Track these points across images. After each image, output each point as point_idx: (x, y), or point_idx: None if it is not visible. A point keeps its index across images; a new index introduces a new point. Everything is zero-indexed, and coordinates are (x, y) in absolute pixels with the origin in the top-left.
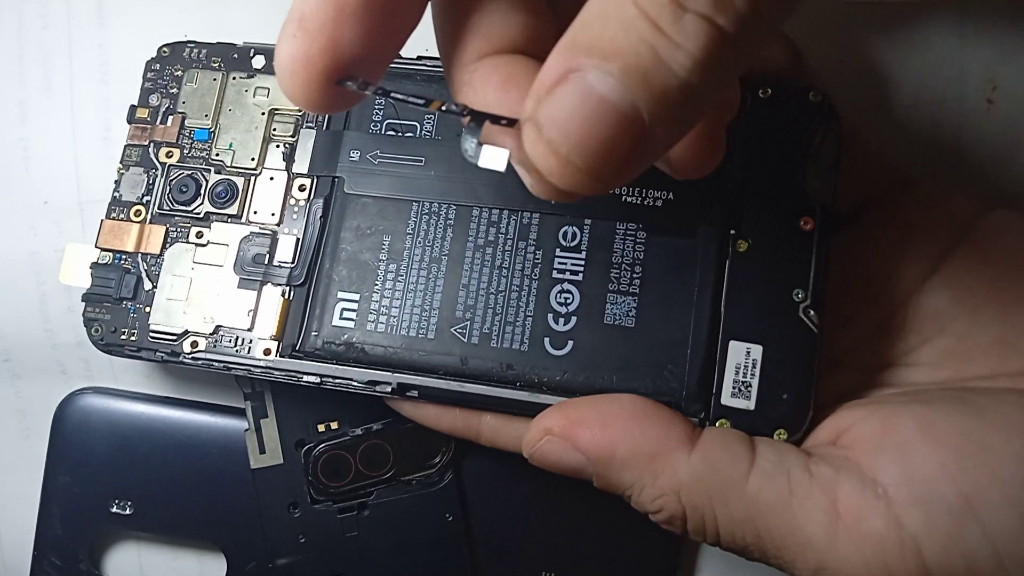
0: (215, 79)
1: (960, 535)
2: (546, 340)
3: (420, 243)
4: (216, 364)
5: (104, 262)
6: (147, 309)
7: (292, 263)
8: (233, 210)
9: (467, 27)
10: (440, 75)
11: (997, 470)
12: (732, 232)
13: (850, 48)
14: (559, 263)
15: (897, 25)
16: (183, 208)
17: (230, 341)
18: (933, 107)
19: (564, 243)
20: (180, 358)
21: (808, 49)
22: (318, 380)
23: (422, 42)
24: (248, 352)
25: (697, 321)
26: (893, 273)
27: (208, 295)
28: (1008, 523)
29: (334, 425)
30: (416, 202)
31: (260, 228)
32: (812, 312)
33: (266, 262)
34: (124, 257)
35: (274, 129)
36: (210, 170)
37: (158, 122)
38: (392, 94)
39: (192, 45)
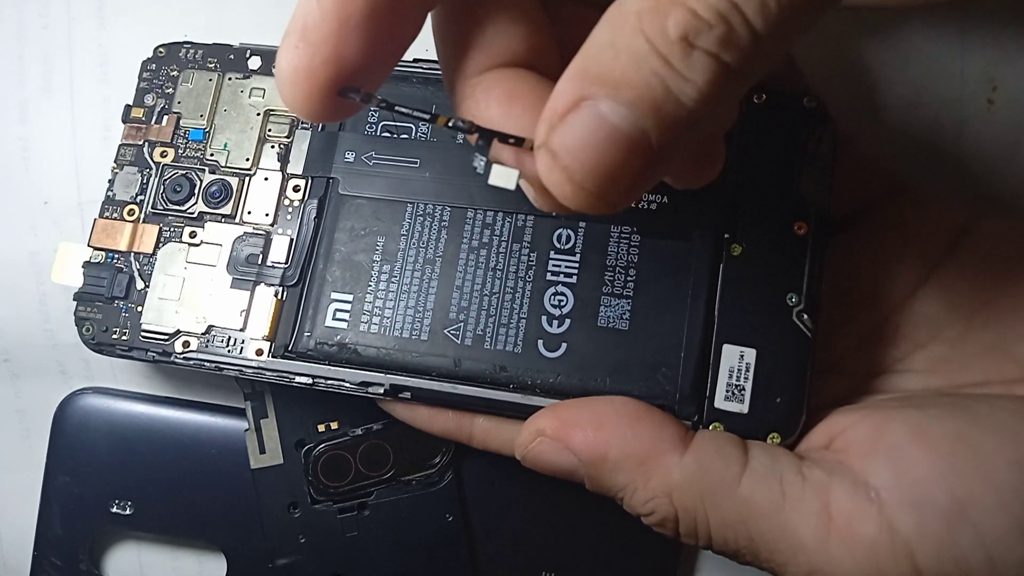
0: (211, 79)
1: (953, 539)
2: (540, 342)
3: (414, 244)
4: (208, 364)
5: (97, 261)
6: (139, 308)
7: (285, 263)
8: (227, 210)
9: (469, 40)
10: (437, 78)
11: (990, 474)
12: (726, 236)
13: (850, 49)
14: (553, 265)
15: (897, 26)
16: (177, 208)
17: (222, 341)
18: (933, 108)
19: (558, 245)
20: (172, 358)
21: (808, 52)
22: (310, 381)
23: (419, 44)
24: (240, 352)
25: (691, 324)
26: (887, 279)
27: (201, 295)
28: (1001, 527)
29: (334, 425)
30: (411, 203)
31: (254, 228)
32: (806, 316)
33: (259, 262)
34: (117, 256)
35: (269, 130)
36: (204, 170)
37: (153, 122)
38: (396, 107)
39: (188, 46)
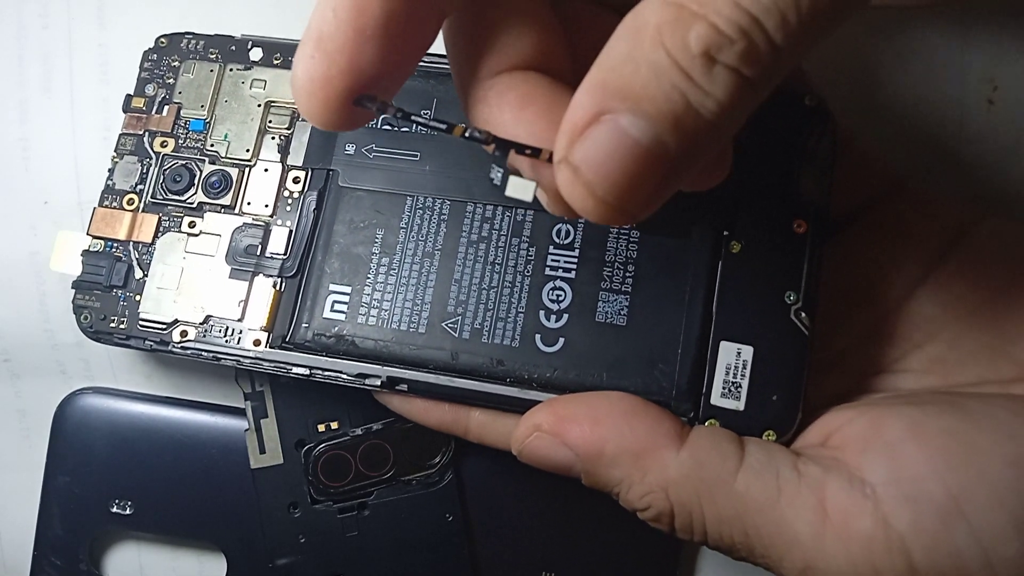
0: (212, 70)
1: (948, 535)
2: (537, 337)
3: (413, 237)
4: (205, 354)
5: (95, 250)
6: (137, 297)
7: (284, 255)
8: (226, 200)
9: (480, 44)
10: (438, 71)
11: (986, 471)
12: (725, 233)
13: (850, 50)
14: (552, 260)
15: (897, 26)
16: (176, 197)
17: (220, 331)
18: (933, 107)
19: (557, 240)
20: (169, 347)
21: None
22: (307, 372)
23: None
24: (238, 343)
25: (689, 321)
26: (885, 278)
27: (199, 285)
28: (996, 523)
29: (334, 425)
30: (410, 196)
31: (253, 219)
32: (803, 315)
33: (258, 253)
34: (116, 245)
35: (270, 121)
36: (204, 160)
37: (154, 112)
38: (412, 116)
39: (190, 36)
